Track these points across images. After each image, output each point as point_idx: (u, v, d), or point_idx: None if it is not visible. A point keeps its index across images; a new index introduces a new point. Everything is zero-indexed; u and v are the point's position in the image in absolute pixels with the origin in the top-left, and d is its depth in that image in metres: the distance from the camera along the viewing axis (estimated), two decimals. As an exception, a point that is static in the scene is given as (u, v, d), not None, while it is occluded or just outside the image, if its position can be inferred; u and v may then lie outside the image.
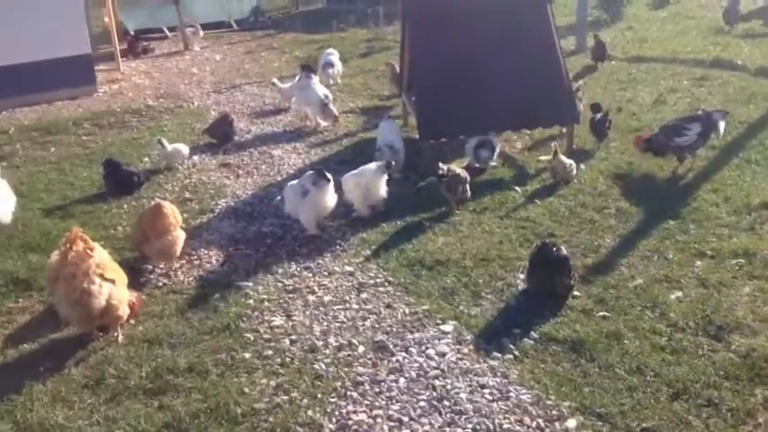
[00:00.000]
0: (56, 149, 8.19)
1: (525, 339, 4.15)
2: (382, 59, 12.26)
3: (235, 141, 8.15)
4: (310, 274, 5.05)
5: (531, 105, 6.99)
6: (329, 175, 5.64)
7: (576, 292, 4.55)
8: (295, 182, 5.79)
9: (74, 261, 3.99)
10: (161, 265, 5.18)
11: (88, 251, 4.06)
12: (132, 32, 14.60)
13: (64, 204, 6.46)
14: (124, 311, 4.25)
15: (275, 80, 9.78)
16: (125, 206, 6.41)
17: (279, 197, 5.91)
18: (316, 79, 8.72)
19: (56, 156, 7.94)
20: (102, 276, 4.09)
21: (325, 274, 5.06)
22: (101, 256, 4.16)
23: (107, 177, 6.73)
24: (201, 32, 14.51)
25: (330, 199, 5.69)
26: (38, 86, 10.21)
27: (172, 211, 5.15)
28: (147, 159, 7.68)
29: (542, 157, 7.05)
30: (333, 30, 15.20)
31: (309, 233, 5.65)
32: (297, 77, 9.06)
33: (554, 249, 4.54)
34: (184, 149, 7.42)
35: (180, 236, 5.19)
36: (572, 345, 4.05)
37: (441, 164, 5.96)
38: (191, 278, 5.06)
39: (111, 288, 4.13)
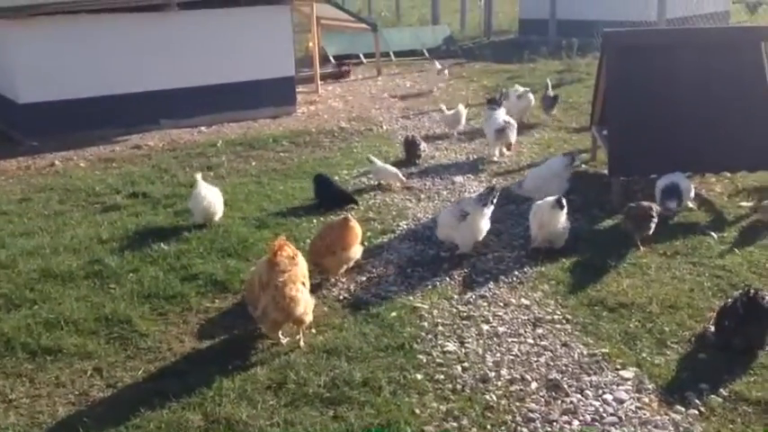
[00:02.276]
0: (256, 163, 8.87)
1: (713, 396, 3.87)
2: (574, 92, 12.05)
3: (419, 165, 8.40)
4: (485, 303, 5.06)
5: (735, 146, 6.52)
6: (492, 197, 5.75)
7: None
8: (451, 207, 5.96)
9: (284, 268, 4.32)
10: (336, 278, 5.47)
11: (294, 258, 4.39)
12: (332, 58, 15.57)
13: (260, 215, 6.96)
14: (310, 317, 4.56)
15: (443, 106, 10.08)
16: (314, 221, 6.80)
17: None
18: (501, 111, 8.73)
19: (256, 169, 8.59)
20: (303, 284, 4.43)
21: (501, 304, 5.04)
22: (303, 264, 4.49)
23: (320, 192, 7.22)
24: (445, 71, 13.30)
25: (486, 224, 5.80)
26: (245, 104, 11.14)
27: (357, 228, 5.42)
28: (352, 176, 8.16)
29: (744, 203, 6.53)
30: (523, 59, 15.17)
31: (461, 252, 5.79)
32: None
33: (765, 300, 4.19)
34: (392, 169, 7.77)
35: (359, 251, 5.52)
36: (766, 407, 3.71)
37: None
38: (369, 295, 5.23)
39: (308, 295, 4.48)
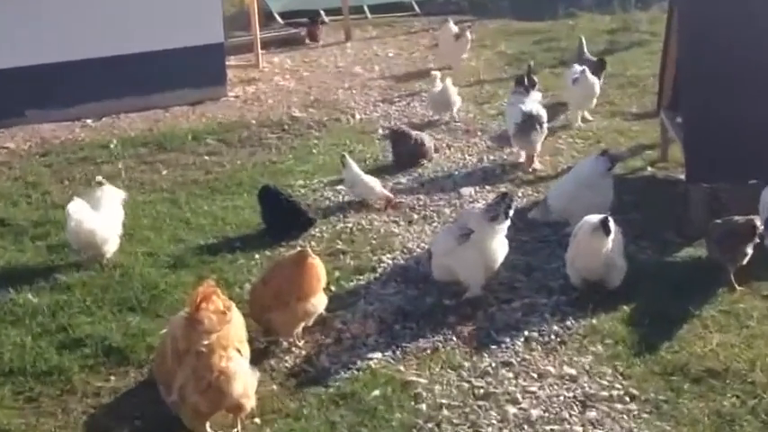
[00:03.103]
0: (168, 172, 8.83)
1: None
2: (633, 61, 12.15)
3: (413, 172, 8.47)
4: (511, 374, 5.07)
5: None
6: (505, 208, 5.78)
7: None
8: (448, 226, 6.15)
9: (210, 328, 4.31)
10: (290, 341, 5.47)
11: (226, 314, 4.38)
12: (277, 15, 15.62)
13: (175, 249, 6.94)
14: (252, 401, 4.54)
15: (436, 73, 10.30)
16: (256, 256, 6.77)
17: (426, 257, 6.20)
18: (534, 96, 8.72)
19: (169, 181, 8.57)
20: (239, 351, 4.43)
21: (534, 375, 5.05)
22: (239, 321, 4.50)
23: (266, 211, 7.24)
24: (467, 34, 12.69)
25: (500, 248, 5.87)
26: (150, 86, 11.09)
27: (319, 267, 5.42)
28: (311, 188, 8.23)
29: None
30: (557, 15, 15.31)
31: (471, 295, 5.84)
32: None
33: None
34: (374, 183, 7.80)
35: (322, 301, 5.52)
36: None
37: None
38: (339, 365, 5.23)
39: (248, 368, 4.48)
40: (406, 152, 8.70)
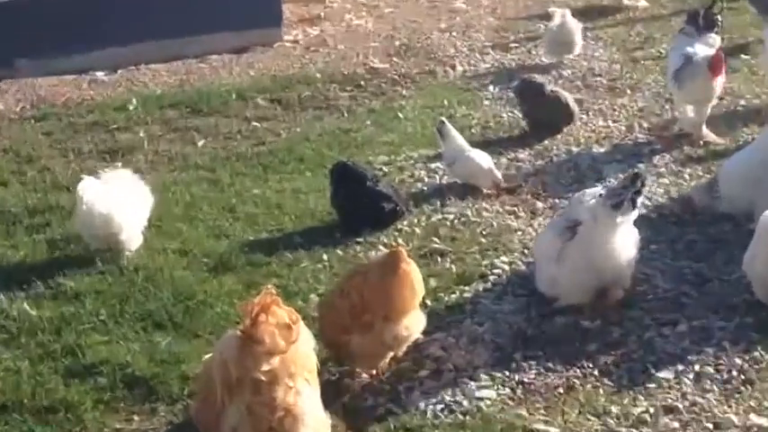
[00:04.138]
0: (206, 143, 8.95)
1: None
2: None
3: (538, 143, 8.48)
4: (676, 424, 5.01)
5: None
6: (633, 192, 5.68)
7: None
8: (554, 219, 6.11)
9: (272, 348, 4.32)
10: (374, 373, 5.48)
11: (293, 330, 4.39)
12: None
13: (218, 247, 7.00)
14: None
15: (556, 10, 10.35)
16: (324, 257, 6.82)
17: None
18: (709, 40, 8.53)
19: (206, 155, 8.68)
20: (308, 382, 4.46)
21: (709, 426, 4.98)
22: (307, 343, 4.52)
23: (340, 197, 7.29)
24: None
25: (626, 246, 5.83)
26: (181, 27, 11.28)
27: (415, 275, 5.42)
28: (397, 165, 8.27)
29: None
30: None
31: (565, 303, 5.85)
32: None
33: None
34: (483, 159, 7.80)
35: (419, 321, 5.49)
36: None
37: None
38: (438, 406, 5.22)
39: (320, 406, 4.54)
40: (541, 114, 8.70)
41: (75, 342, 5.85)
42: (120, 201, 6.72)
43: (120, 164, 8.31)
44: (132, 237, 6.81)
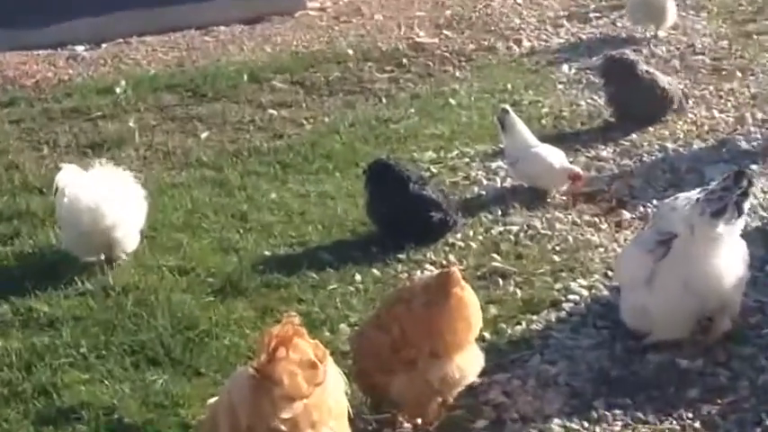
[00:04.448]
0: (211, 135, 9.06)
1: None
2: None
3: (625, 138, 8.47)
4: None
5: None
6: (738, 195, 5.60)
7: None
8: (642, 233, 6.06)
9: (292, 391, 4.32)
10: (420, 423, 5.45)
11: (318, 369, 4.39)
12: None
13: (226, 263, 7.03)
14: None
15: None
16: (357, 277, 6.83)
17: None
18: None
19: (212, 150, 8.76)
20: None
21: None
22: (336, 384, 4.52)
23: (378, 203, 7.31)
24: None
25: (733, 263, 5.75)
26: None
27: (470, 302, 5.40)
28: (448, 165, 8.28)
29: None
30: None
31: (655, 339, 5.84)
32: None
33: None
34: (555, 157, 7.79)
35: (475, 359, 5.45)
36: None
37: None
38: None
39: None
40: (631, 101, 8.66)
41: (50, 380, 5.85)
42: (110, 191, 6.81)
43: (104, 160, 8.23)
44: (129, 235, 6.89)
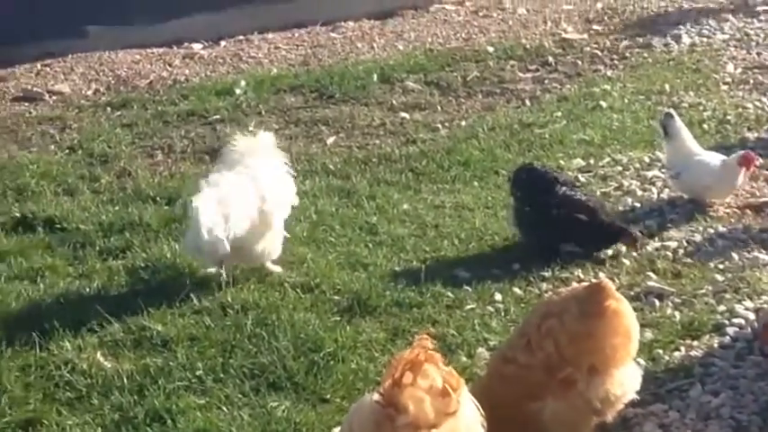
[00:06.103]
0: (338, 140, 9.13)
1: None
2: None
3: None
4: None
5: None
6: None
7: None
8: None
9: (419, 420, 4.31)
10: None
11: (451, 398, 4.38)
12: None
13: (354, 280, 7.05)
14: None
15: None
16: (497, 296, 6.81)
17: None
18: None
19: (338, 156, 8.84)
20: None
21: None
22: (472, 414, 4.50)
23: (525, 214, 7.33)
24: None
25: None
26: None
27: (628, 318, 5.37)
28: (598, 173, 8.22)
29: None
30: None
31: None
32: None
33: None
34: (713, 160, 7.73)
35: (634, 376, 5.42)
36: None
37: None
38: None
39: None
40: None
41: (164, 405, 5.89)
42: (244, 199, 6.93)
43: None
44: (270, 248, 7.06)
